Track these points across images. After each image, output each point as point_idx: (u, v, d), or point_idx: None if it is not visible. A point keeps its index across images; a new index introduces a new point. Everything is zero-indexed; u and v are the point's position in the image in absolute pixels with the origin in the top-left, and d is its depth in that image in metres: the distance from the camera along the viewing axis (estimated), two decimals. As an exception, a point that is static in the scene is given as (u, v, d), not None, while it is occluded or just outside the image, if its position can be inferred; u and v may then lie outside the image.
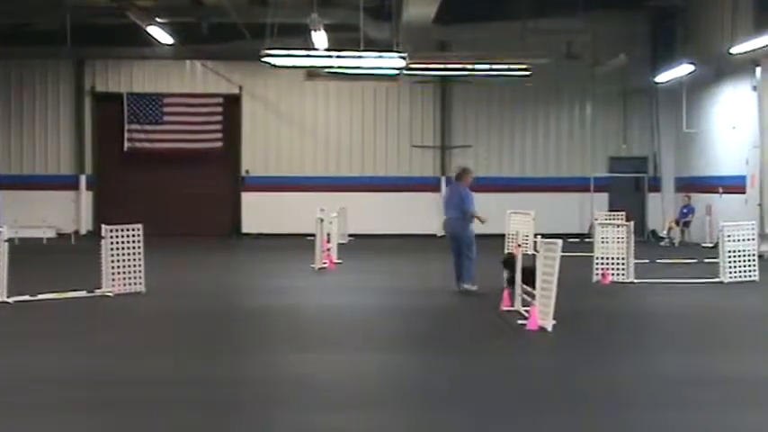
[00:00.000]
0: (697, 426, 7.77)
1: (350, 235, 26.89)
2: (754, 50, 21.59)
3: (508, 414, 8.05)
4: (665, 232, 28.52)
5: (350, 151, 30.93)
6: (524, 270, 13.61)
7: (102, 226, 15.23)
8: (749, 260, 17.44)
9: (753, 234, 17.86)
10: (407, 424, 7.85)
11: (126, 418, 7.86)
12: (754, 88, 24.04)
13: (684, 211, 28.33)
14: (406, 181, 30.64)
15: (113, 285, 14.98)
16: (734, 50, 21.83)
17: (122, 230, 15.14)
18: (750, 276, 17.29)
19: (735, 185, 25.63)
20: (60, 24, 24.47)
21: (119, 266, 15.06)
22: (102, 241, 14.99)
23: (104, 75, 30.58)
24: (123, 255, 15.08)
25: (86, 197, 30.46)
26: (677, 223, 28.18)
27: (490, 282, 15.38)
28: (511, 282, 14.01)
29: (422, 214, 30.22)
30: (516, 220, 23.27)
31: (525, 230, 22.04)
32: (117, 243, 15.05)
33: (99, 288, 14.92)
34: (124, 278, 15.11)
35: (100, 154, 30.77)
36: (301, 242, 23.72)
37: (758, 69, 23.54)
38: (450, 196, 16.33)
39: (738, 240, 17.54)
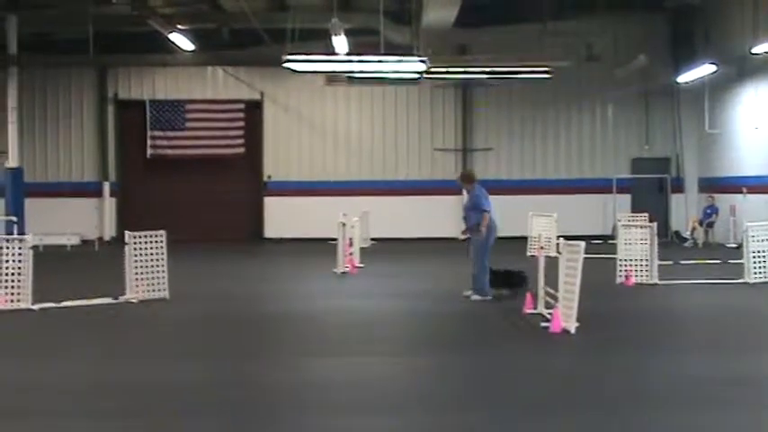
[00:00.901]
0: (726, 427, 7.74)
1: (372, 239, 26.93)
2: (776, 50, 21.50)
3: (532, 416, 8.04)
4: (688, 233, 28.41)
5: (371, 155, 30.97)
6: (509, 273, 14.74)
7: (126, 232, 15.32)
8: (774, 260, 17.34)
9: (777, 234, 17.75)
10: (429, 427, 7.86)
11: (155, 424, 7.92)
12: (777, 88, 23.94)
13: (708, 211, 28.20)
14: (427, 184, 30.64)
15: (137, 292, 15.06)
16: (755, 50, 21.73)
17: (146, 237, 15.21)
18: (775, 277, 17.21)
19: (759, 185, 25.49)
20: (83, 33, 24.64)
21: (142, 273, 15.13)
22: (126, 248, 15.08)
23: (127, 82, 30.77)
24: (147, 261, 15.16)
25: (110, 204, 30.63)
26: (701, 224, 28.06)
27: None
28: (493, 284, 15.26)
29: (444, 218, 30.21)
30: (539, 222, 23.28)
31: (548, 232, 22.08)
32: (140, 249, 15.12)
33: (123, 295, 15.01)
34: (148, 284, 15.19)
35: (123, 161, 30.96)
36: (324, 246, 23.76)
37: (780, 69, 23.46)
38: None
39: (763, 240, 17.44)
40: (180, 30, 24.34)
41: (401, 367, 10.33)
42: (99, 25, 24.70)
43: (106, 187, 30.59)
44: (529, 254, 22.04)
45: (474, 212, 15.45)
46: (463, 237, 16.04)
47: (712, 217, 27.95)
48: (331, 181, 30.63)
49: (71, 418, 8.13)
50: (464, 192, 16.37)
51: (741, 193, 26.66)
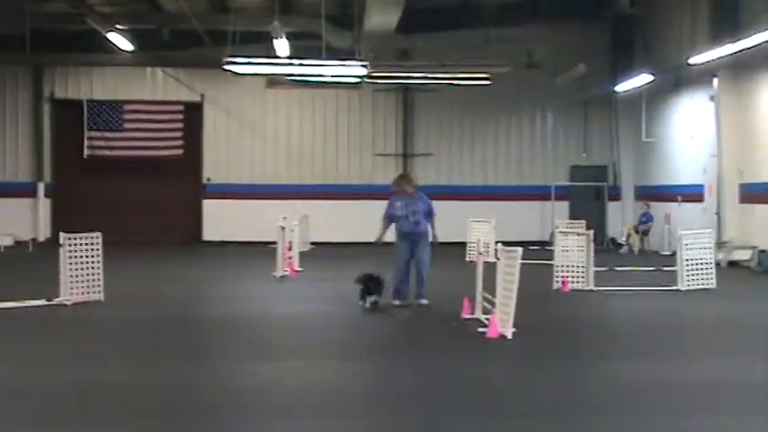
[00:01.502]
0: (656, 431, 7.85)
1: (312, 243, 26.85)
2: (711, 61, 21.87)
3: (464, 422, 8.06)
4: (623, 239, 28.77)
5: (312, 159, 30.91)
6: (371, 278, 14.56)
7: (61, 234, 15.08)
8: (706, 268, 17.62)
9: (710, 242, 18.06)
10: (365, 431, 7.86)
11: (87, 427, 7.79)
12: (712, 98, 24.33)
13: (643, 219, 28.59)
14: (368, 189, 30.63)
15: (72, 294, 14.84)
16: (692, 61, 22.08)
17: (81, 238, 15.00)
18: (707, 284, 17.47)
19: (693, 194, 25.92)
20: (19, 30, 24.23)
21: (77, 275, 14.92)
22: (61, 249, 14.85)
23: (64, 81, 30.35)
24: (82, 263, 14.94)
25: (45, 204, 30.18)
26: (636, 231, 28.43)
27: (452, 290, 15.42)
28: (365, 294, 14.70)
29: (383, 222, 30.25)
30: (477, 228, 23.40)
31: (486, 238, 22.19)
32: (75, 251, 14.91)
33: (57, 297, 14.77)
34: (83, 287, 14.97)
35: (59, 161, 30.52)
36: (263, 250, 23.66)
37: (715, 80, 23.84)
38: None
39: (696, 249, 17.72)
40: (119, 29, 24.05)
41: (339, 371, 10.30)
42: (36, 23, 24.33)
43: (41, 187, 30.13)
44: (467, 259, 22.15)
45: (427, 217, 15.42)
46: (381, 241, 15.72)
47: (648, 224, 28.34)
48: (271, 184, 30.49)
49: None
50: (400, 195, 15.64)
51: (676, 201, 27.09)
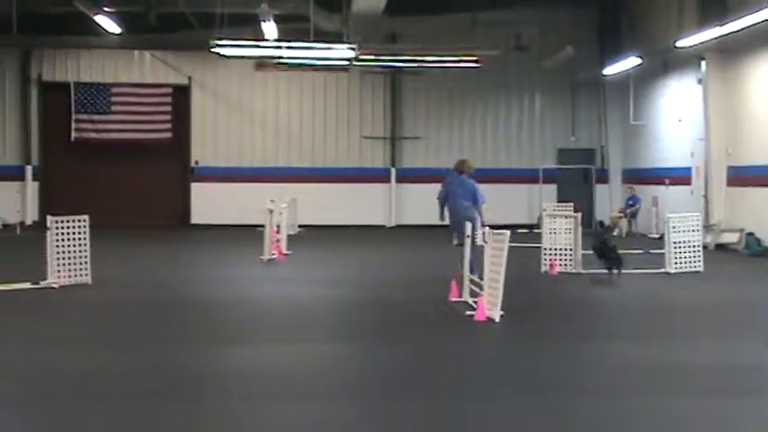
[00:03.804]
0: (643, 412, 7.87)
1: (300, 226, 26.83)
2: (699, 44, 21.88)
3: (450, 403, 8.09)
4: (609, 223, 28.88)
5: (300, 142, 30.86)
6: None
7: (48, 217, 15.07)
8: (694, 251, 17.69)
9: (697, 225, 18.12)
10: (352, 414, 7.87)
11: (68, 411, 7.79)
12: (699, 81, 24.34)
13: (630, 202, 28.64)
14: (356, 172, 30.64)
15: (59, 277, 14.82)
16: (680, 44, 22.09)
17: (68, 221, 14.98)
18: (695, 267, 17.55)
19: (680, 177, 25.96)
20: (6, 12, 24.06)
21: (65, 258, 14.90)
22: (48, 232, 14.82)
23: (51, 64, 30.19)
24: (69, 246, 14.92)
25: (32, 187, 30.04)
26: (624, 214, 28.48)
27: (440, 271, 15.44)
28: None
29: (372, 205, 30.29)
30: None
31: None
32: (63, 234, 14.89)
33: (44, 280, 14.75)
34: (70, 269, 14.95)
35: (46, 144, 30.39)
36: (251, 233, 23.63)
37: (703, 63, 23.84)
38: (458, 187, 16.16)
39: (684, 231, 17.79)
40: (106, 12, 23.92)
41: (327, 354, 10.32)
42: (23, 5, 24.16)
43: (29, 171, 30.02)
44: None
45: None
46: None
47: (635, 207, 28.40)
48: (259, 167, 30.44)
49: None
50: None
51: (664, 184, 27.14)
